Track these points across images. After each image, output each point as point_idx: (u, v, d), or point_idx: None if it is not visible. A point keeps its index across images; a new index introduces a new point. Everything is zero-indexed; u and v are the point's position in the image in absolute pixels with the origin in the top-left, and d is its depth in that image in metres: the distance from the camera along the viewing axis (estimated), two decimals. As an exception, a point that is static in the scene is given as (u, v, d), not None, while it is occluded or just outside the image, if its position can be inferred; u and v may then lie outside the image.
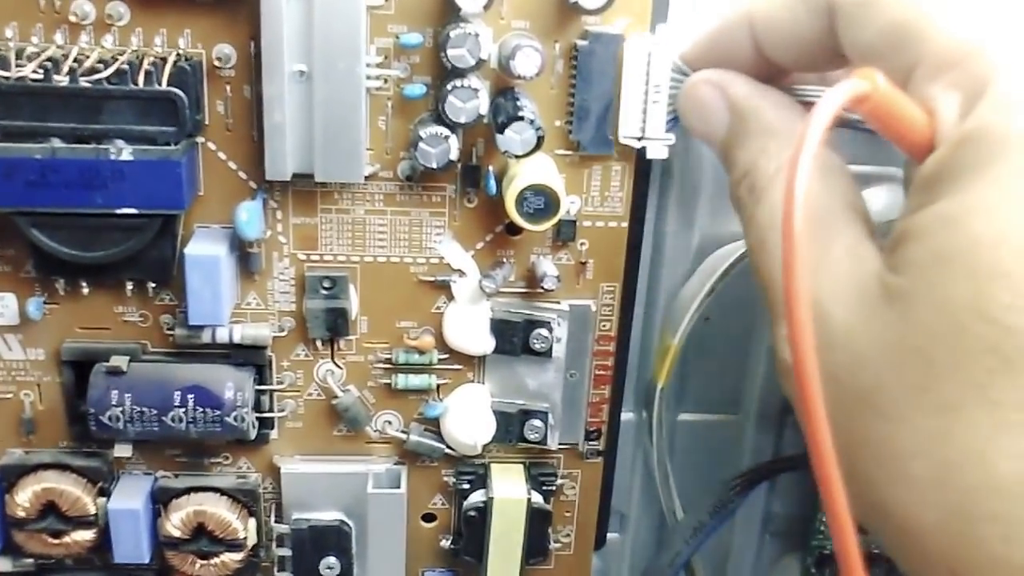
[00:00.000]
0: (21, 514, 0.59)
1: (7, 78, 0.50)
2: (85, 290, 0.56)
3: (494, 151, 0.55)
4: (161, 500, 0.61)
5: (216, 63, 0.53)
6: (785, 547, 0.70)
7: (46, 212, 0.52)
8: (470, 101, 0.51)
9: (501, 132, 0.51)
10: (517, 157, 0.52)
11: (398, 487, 0.61)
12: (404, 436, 0.61)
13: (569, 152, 0.56)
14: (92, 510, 0.60)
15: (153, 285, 0.56)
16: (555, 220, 0.54)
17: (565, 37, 0.54)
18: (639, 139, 0.54)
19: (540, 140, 0.51)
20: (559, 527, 0.64)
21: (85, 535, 0.60)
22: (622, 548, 0.69)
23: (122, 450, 0.59)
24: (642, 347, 0.63)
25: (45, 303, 0.57)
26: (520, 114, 0.51)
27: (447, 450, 0.61)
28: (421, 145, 0.52)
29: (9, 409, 0.59)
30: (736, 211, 0.44)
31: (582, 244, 0.58)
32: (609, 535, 0.67)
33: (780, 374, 0.41)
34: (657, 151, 0.54)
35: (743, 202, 0.43)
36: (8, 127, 0.51)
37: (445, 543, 0.64)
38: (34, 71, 0.50)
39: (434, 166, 0.53)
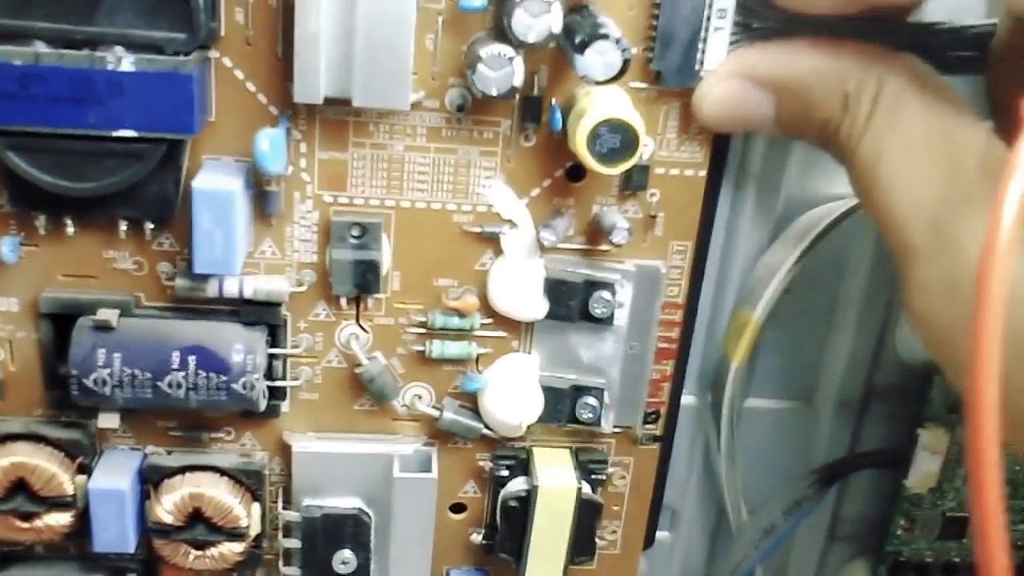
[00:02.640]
0: (-16, 493, 0.51)
1: (-16, -35, 0.42)
2: (70, 229, 0.48)
3: (558, 81, 0.47)
4: (151, 480, 0.52)
5: (237, -40, 0.44)
6: (853, 552, 0.62)
7: (26, 132, 0.44)
8: (542, 16, 0.43)
9: (580, 52, 0.43)
10: (597, 83, 0.43)
11: (428, 471, 0.53)
12: (437, 413, 0.53)
13: (645, 85, 0.48)
14: (69, 490, 0.51)
15: (151, 226, 0.48)
16: (632, 162, 0.46)
17: (649, -54, 0.46)
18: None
19: (626, 64, 0.43)
20: (605, 522, 0.57)
21: (60, 519, 0.52)
22: (672, 549, 0.61)
23: (107, 420, 0.51)
24: (710, 320, 0.55)
25: (22, 244, 0.48)
26: (603, 31, 0.43)
27: (485, 430, 0.53)
28: (480, 67, 0.44)
29: (-25, 369, 0.51)
30: (836, 158, 0.44)
31: (652, 195, 0.50)
32: (658, 533, 0.60)
33: (915, 324, 0.41)
34: None
35: (842, 145, 0.43)
36: (-17, 26, 0.42)
37: (476, 537, 0.56)
38: (17, -42, 0.42)
39: (494, 93, 0.45)
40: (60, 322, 0.50)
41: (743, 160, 0.52)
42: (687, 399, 0.57)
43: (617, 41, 0.43)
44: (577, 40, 0.43)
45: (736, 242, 0.54)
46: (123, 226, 0.48)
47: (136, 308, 0.50)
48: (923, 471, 0.55)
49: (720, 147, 0.50)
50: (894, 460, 0.56)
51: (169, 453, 0.53)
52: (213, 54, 0.46)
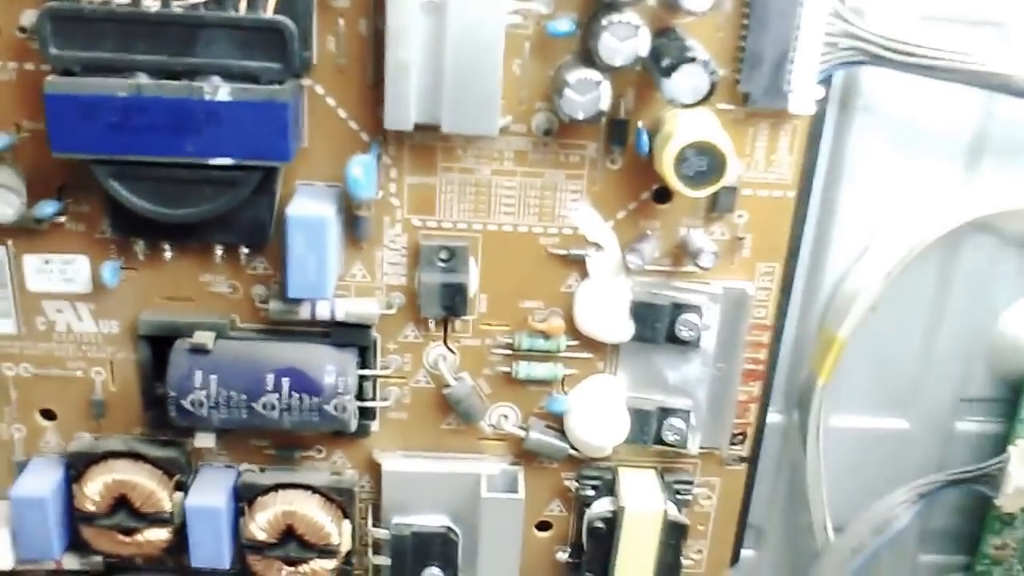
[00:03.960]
0: (91, 508, 0.52)
1: (90, 2, 0.43)
2: (168, 254, 0.49)
3: (644, 104, 0.47)
4: (245, 497, 0.53)
5: (329, -9, 0.45)
6: (943, 570, 0.61)
7: (128, 161, 0.45)
8: (628, 40, 0.43)
9: (667, 76, 0.43)
10: (684, 106, 0.44)
11: (515, 491, 0.53)
12: (523, 433, 0.53)
13: (733, 107, 0.48)
14: (167, 506, 0.53)
15: (246, 250, 0.49)
16: (719, 185, 0.46)
17: (736, -31, 0.46)
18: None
19: (714, 87, 0.43)
20: (690, 542, 0.56)
21: (159, 534, 0.53)
22: (757, 568, 0.61)
23: (204, 440, 0.52)
24: (796, 339, 0.55)
25: (122, 268, 0.50)
26: (691, 55, 0.43)
27: (571, 451, 0.53)
28: (567, 92, 0.44)
29: (78, 388, 0.52)
30: None
31: (740, 216, 0.50)
32: (744, 552, 0.59)
33: None
34: (802, 105, 0.47)
35: None
36: (88, 60, 0.43)
37: (562, 556, 0.56)
38: (121, -6, 0.43)
39: (580, 117, 0.45)
40: (158, 344, 0.51)
41: (830, 180, 0.52)
42: (773, 417, 0.56)
43: (705, 64, 0.43)
44: (664, 63, 0.43)
45: (824, 262, 0.53)
46: (219, 251, 0.49)
47: (231, 330, 0.51)
48: (1015, 489, 0.54)
49: (809, 168, 0.49)
50: (985, 478, 0.55)
51: (263, 471, 0.54)
52: (306, 82, 0.47)
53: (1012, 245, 0.53)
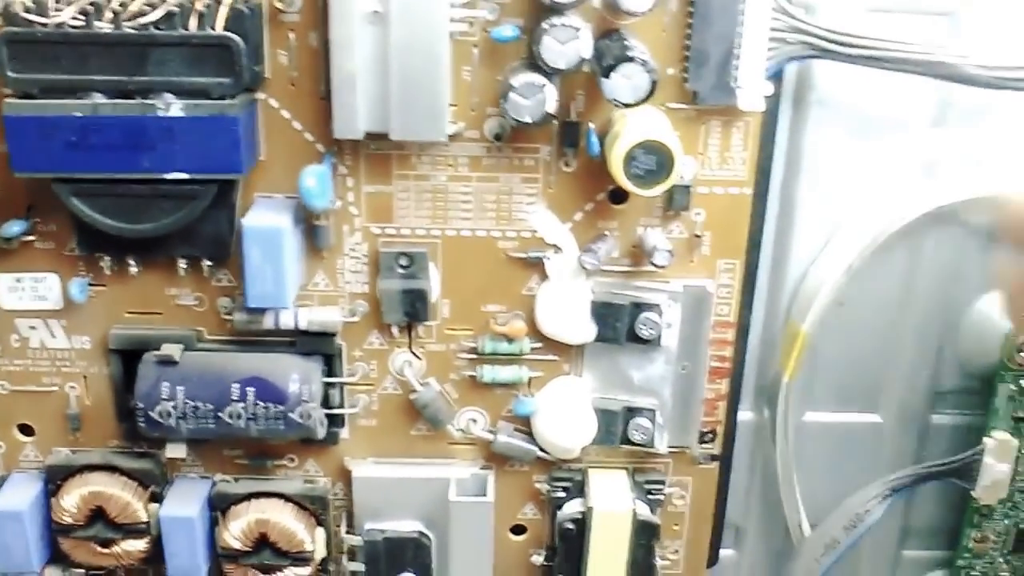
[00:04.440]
0: (68, 520, 0.53)
1: (44, 25, 0.44)
2: (133, 269, 0.50)
3: (595, 105, 0.48)
4: (219, 507, 0.54)
5: (278, 5, 0.46)
6: (924, 567, 0.61)
7: (87, 178, 0.46)
8: (570, 42, 0.44)
9: (607, 76, 0.43)
10: (626, 106, 0.44)
11: (484, 494, 0.53)
12: (491, 436, 0.53)
13: (683, 105, 0.48)
14: (143, 517, 0.53)
15: (208, 263, 0.50)
16: (668, 184, 0.46)
17: (679, -31, 0.46)
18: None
19: (654, 85, 0.43)
20: (666, 542, 0.56)
21: (136, 545, 0.54)
22: (737, 566, 0.61)
23: (175, 450, 0.53)
24: (763, 336, 0.55)
25: (90, 284, 0.51)
26: (630, 55, 0.43)
27: (540, 453, 0.53)
28: (512, 96, 0.45)
29: (54, 403, 0.53)
30: None
31: (697, 214, 0.50)
32: (722, 551, 0.59)
33: None
34: (750, 102, 0.47)
35: None
36: (45, 81, 0.45)
37: (537, 559, 0.56)
38: (73, 17, 0.44)
39: (528, 120, 0.45)
40: (129, 358, 0.52)
41: (788, 175, 0.52)
42: (746, 415, 0.56)
43: (644, 63, 0.43)
44: (604, 64, 0.44)
45: (787, 256, 0.53)
46: (182, 264, 0.50)
47: (199, 342, 0.52)
48: (992, 481, 0.54)
49: (764, 164, 0.49)
50: (961, 471, 0.54)
51: (236, 480, 0.55)
52: (260, 96, 0.48)
53: (976, 235, 0.53)
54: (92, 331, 0.52)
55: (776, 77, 0.48)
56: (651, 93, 0.44)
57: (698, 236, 0.50)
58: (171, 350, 0.50)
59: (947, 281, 0.54)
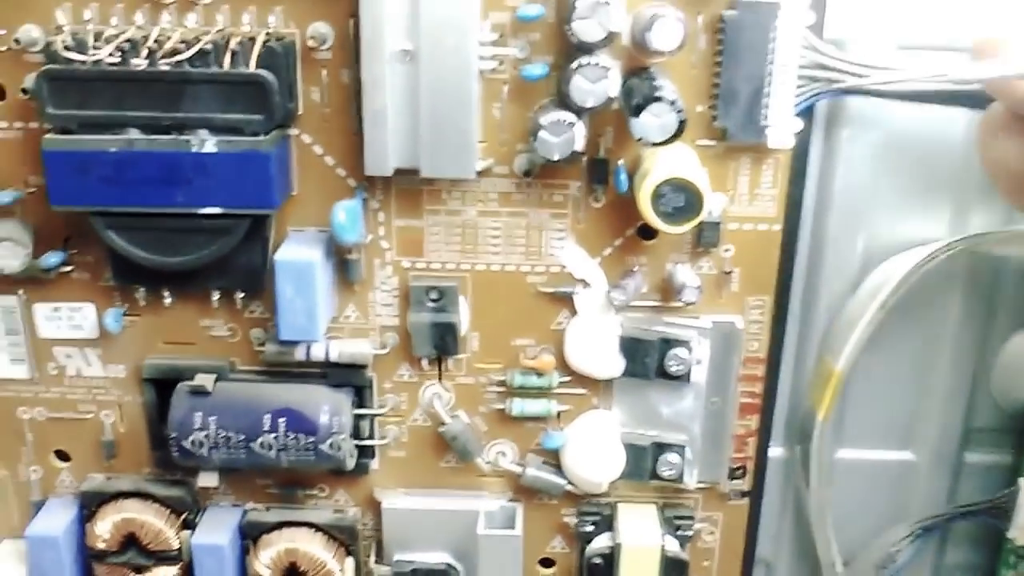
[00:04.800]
0: (101, 546, 0.54)
1: (82, 63, 0.45)
2: (167, 300, 0.51)
3: (624, 142, 0.48)
4: (250, 535, 0.55)
5: (311, 43, 0.46)
6: (961, 607, 0.60)
7: (123, 212, 0.47)
8: (599, 82, 0.44)
9: (636, 115, 0.43)
10: (654, 145, 0.44)
11: (512, 527, 0.53)
12: (520, 470, 0.53)
13: (713, 142, 0.48)
14: (175, 544, 0.54)
15: (242, 295, 0.51)
16: (697, 221, 0.46)
17: (709, 7, 0.46)
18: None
19: (682, 125, 0.43)
20: (696, 577, 0.56)
21: (168, 572, 0.55)
22: (768, 603, 0.60)
23: (207, 479, 0.53)
24: (795, 371, 0.55)
25: (125, 315, 0.52)
26: (658, 94, 0.43)
27: (568, 486, 0.53)
28: (541, 134, 0.45)
29: (90, 430, 0.54)
30: None
31: (727, 250, 0.50)
32: (753, 587, 0.59)
33: None
34: (780, 139, 0.47)
35: None
36: (83, 117, 0.46)
37: (566, 592, 0.56)
38: (110, 54, 0.45)
39: (556, 158, 0.46)
40: (162, 387, 0.53)
41: (819, 210, 0.51)
42: (777, 451, 0.56)
43: (672, 103, 0.43)
44: (633, 103, 0.44)
45: (818, 291, 0.53)
46: (216, 296, 0.51)
47: (231, 372, 0.52)
48: (1027, 522, 0.53)
49: (794, 200, 0.49)
50: (995, 510, 0.54)
51: (267, 509, 0.55)
52: (293, 131, 0.48)
53: (1012, 270, 0.52)
54: (127, 360, 0.53)
55: (806, 113, 0.47)
56: (679, 132, 0.44)
57: (727, 272, 0.50)
58: (204, 380, 0.51)
59: (981, 317, 0.53)
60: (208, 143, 0.45)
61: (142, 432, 0.54)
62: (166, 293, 0.51)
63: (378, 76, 0.45)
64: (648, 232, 0.50)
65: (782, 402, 0.55)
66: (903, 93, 0.47)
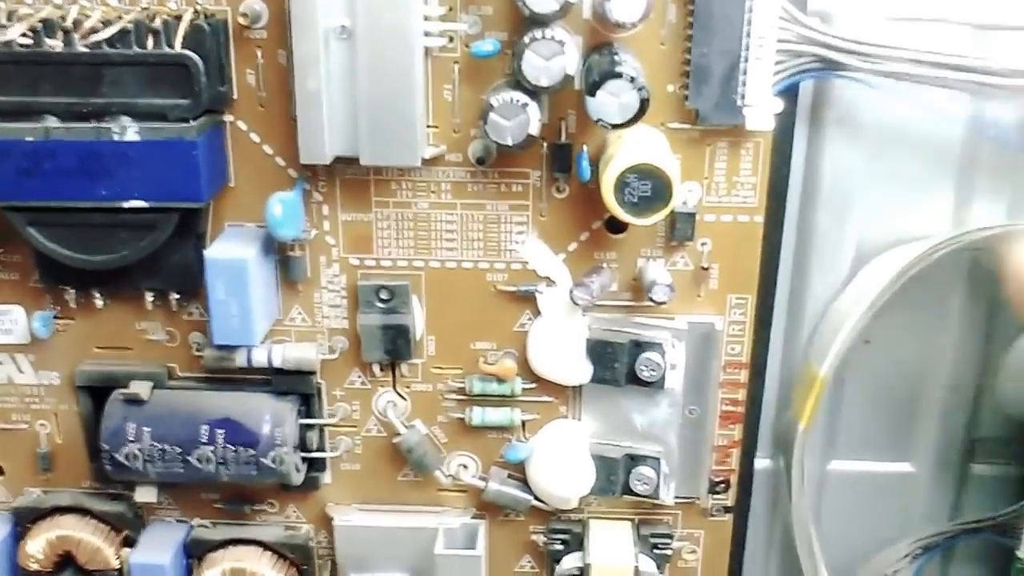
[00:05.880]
0: (33, 566, 0.51)
1: (-7, 46, 0.41)
2: (99, 302, 0.47)
3: (588, 126, 0.44)
4: (195, 554, 0.51)
5: (243, 21, 0.42)
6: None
7: (42, 207, 0.43)
8: (554, 58, 0.40)
9: (592, 94, 0.39)
10: (614, 127, 0.40)
11: (473, 547, 0.49)
12: (482, 484, 0.49)
13: (685, 125, 0.44)
14: (114, 563, 0.51)
15: (177, 296, 0.47)
16: (667, 212, 0.42)
17: (679, -23, 0.42)
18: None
19: (644, 104, 0.39)
20: (677, 600, 0.52)
21: (106, 593, 0.51)
22: (757, 626, 0.56)
23: (144, 494, 0.50)
24: (782, 376, 0.50)
25: (56, 318, 0.48)
26: (617, 70, 0.39)
27: (535, 502, 0.49)
28: (492, 116, 0.41)
29: (24, 441, 0.51)
30: None
31: (703, 244, 0.46)
32: (740, 609, 0.54)
33: None
34: (758, 121, 0.43)
35: None
36: (-5, 104, 0.42)
37: (535, 615, 0.52)
38: (23, 35, 0.41)
39: (509, 143, 0.41)
40: (100, 395, 0.49)
41: (806, 199, 0.47)
42: (763, 463, 0.52)
43: (632, 79, 0.39)
44: (590, 80, 0.39)
45: (806, 289, 0.48)
46: (150, 297, 0.47)
47: (170, 379, 0.49)
48: (1038, 541, 0.49)
49: (777, 188, 0.45)
50: (1002, 527, 0.49)
51: (214, 526, 0.51)
52: (227, 118, 0.44)
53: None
54: (61, 367, 0.49)
55: (789, 93, 0.43)
56: (641, 113, 0.39)
57: (705, 268, 0.46)
58: (138, 388, 0.47)
59: (984, 317, 0.49)
60: (130, 130, 0.42)
61: (80, 443, 0.50)
62: (97, 294, 0.47)
63: (311, 54, 0.41)
64: (617, 225, 0.45)
65: (769, 410, 0.50)
66: (893, 72, 0.42)
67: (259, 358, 0.47)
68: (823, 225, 0.47)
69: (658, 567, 0.50)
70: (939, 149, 0.46)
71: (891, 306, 0.47)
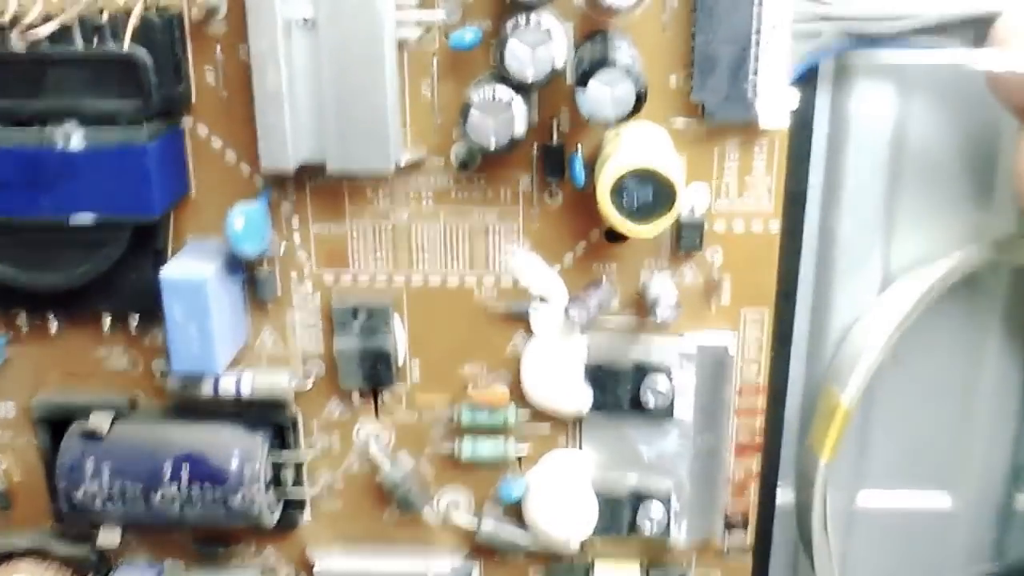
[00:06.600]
0: (-13, 616, 0.46)
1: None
2: (53, 326, 0.43)
3: (583, 125, 0.39)
4: (164, 601, 0.47)
5: (198, 15, 0.38)
6: None
7: (-19, 223, 0.39)
8: (540, 47, 0.36)
9: (583, 85, 0.35)
10: (608, 123, 0.35)
11: (465, 593, 0.45)
12: (475, 524, 0.45)
13: (691, 119, 0.39)
14: (75, 613, 0.46)
15: (136, 319, 0.43)
16: (669, 220, 0.37)
17: (681, -43, 0.37)
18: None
19: (641, 96, 0.35)
20: (692, 647, 0.47)
21: (67, 645, 0.47)
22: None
23: (107, 537, 0.45)
24: (804, 402, 0.46)
25: (8, 344, 0.44)
26: (610, 57, 0.35)
27: (532, 545, 0.45)
28: (472, 114, 0.37)
29: (-20, 479, 0.47)
30: None
31: (713, 254, 0.41)
32: (765, 656, 0.49)
33: None
34: (772, 116, 0.38)
35: None
36: (-76, 109, 0.38)
37: (537, 666, 0.47)
38: (-44, 32, 0.38)
39: (491, 145, 0.37)
40: (59, 428, 0.45)
41: (827, 203, 0.42)
42: (787, 496, 0.47)
43: (627, 69, 0.34)
44: (580, 71, 0.35)
45: (829, 304, 0.44)
46: (107, 320, 0.43)
47: (133, 410, 0.45)
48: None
49: (795, 191, 0.40)
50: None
51: (186, 569, 0.47)
52: (186, 122, 0.40)
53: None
54: (16, 397, 0.46)
55: (806, 81, 0.39)
56: (637, 107, 0.35)
57: (716, 282, 0.41)
58: (99, 420, 0.43)
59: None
60: (74, 137, 0.38)
61: (40, 480, 0.46)
62: (51, 317, 0.43)
63: (270, 50, 0.37)
64: (617, 234, 0.41)
65: (790, 438, 0.46)
66: (917, 30, 0.38)
67: (227, 386, 0.43)
68: (847, 231, 0.43)
69: (671, 613, 0.45)
70: (971, 149, 0.41)
71: (924, 323, 0.42)
